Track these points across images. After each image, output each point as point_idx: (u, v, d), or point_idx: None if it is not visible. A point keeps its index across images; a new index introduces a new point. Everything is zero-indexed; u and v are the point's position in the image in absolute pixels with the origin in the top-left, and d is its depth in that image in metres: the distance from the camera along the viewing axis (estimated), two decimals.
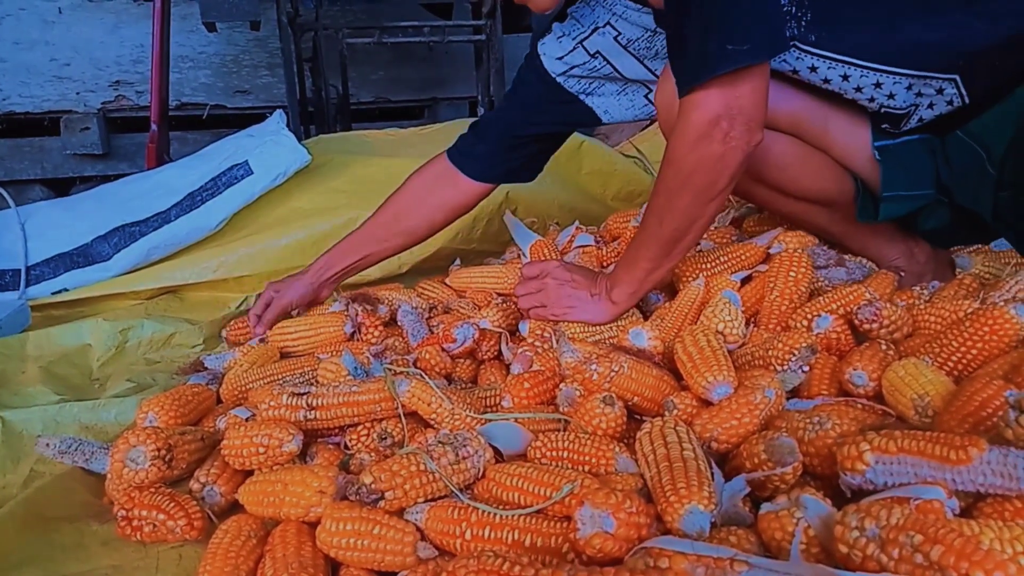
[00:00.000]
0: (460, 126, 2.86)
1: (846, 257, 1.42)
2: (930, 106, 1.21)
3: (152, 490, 0.96)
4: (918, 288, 1.27)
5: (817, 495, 0.74)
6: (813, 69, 1.22)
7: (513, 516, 0.80)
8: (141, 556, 0.93)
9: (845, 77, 1.20)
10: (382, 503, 0.86)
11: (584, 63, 1.45)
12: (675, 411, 0.97)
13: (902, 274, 1.36)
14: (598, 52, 1.44)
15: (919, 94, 1.20)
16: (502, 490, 0.87)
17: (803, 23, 1.17)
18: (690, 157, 1.08)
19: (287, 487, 0.89)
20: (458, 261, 2.07)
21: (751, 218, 1.69)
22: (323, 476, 0.88)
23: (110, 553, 0.94)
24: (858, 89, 1.21)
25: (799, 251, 1.32)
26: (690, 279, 1.43)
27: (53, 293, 1.90)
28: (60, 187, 3.64)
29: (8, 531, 0.94)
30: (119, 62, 3.58)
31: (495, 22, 3.28)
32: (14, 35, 3.43)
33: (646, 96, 1.50)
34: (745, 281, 1.43)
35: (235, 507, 0.98)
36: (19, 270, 1.89)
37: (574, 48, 1.45)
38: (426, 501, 0.88)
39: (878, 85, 1.20)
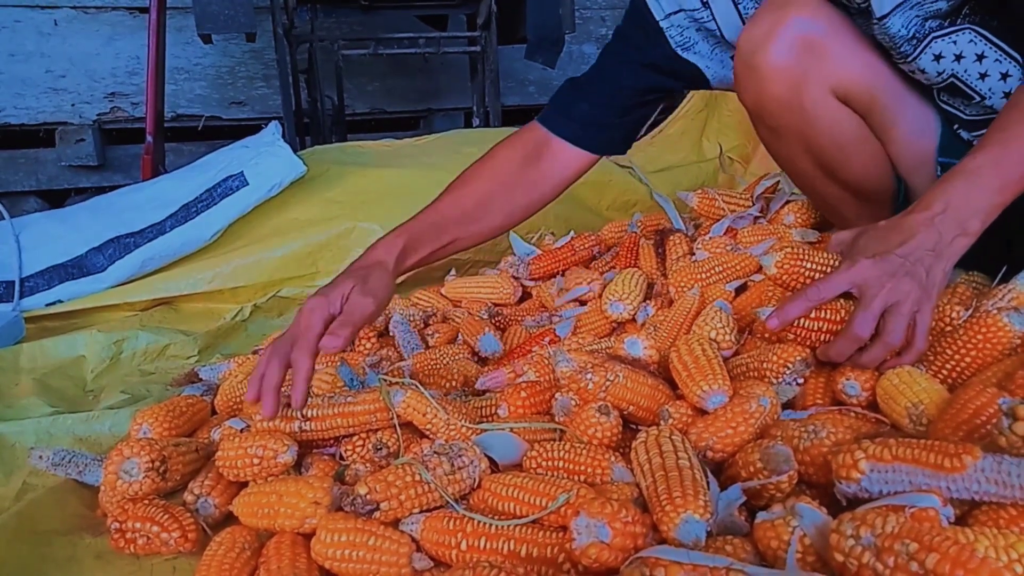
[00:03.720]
0: (455, 137, 2.89)
1: None
2: None
3: (146, 502, 0.96)
4: None
5: (812, 504, 0.74)
6: (953, 41, 1.12)
7: (509, 526, 0.80)
8: (134, 569, 0.92)
9: (979, 57, 1.13)
10: (377, 514, 0.85)
11: (694, 10, 1.31)
12: (670, 420, 0.97)
13: None
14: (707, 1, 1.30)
15: None
16: (498, 500, 0.86)
17: None
18: None
19: (282, 498, 0.89)
20: (453, 271, 2.07)
21: (746, 229, 1.70)
22: (318, 487, 0.88)
23: (103, 567, 0.93)
24: (982, 76, 1.14)
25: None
26: (685, 289, 1.43)
27: (47, 305, 1.90)
28: (55, 199, 3.63)
29: (0, 544, 0.93)
30: (115, 74, 3.59)
31: (490, 33, 3.29)
32: (10, 47, 3.43)
33: (732, 58, 1.34)
34: (740, 291, 1.43)
35: (229, 519, 0.97)
36: (13, 282, 1.89)
37: None
38: (421, 512, 0.87)
39: (1006, 76, 1.14)
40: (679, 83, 1.42)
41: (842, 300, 1.01)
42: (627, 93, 1.37)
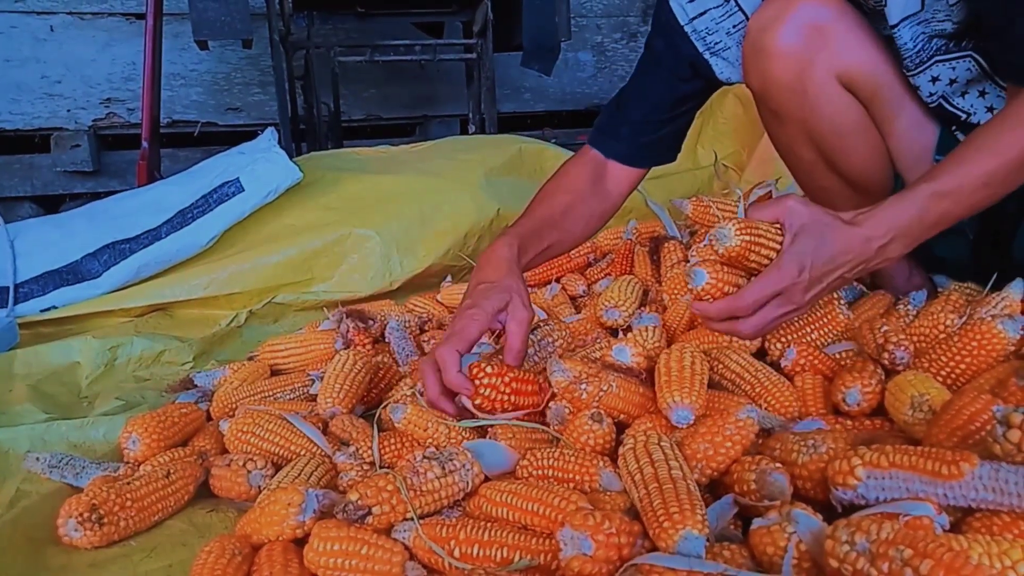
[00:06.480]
0: (451, 144, 2.89)
1: None
2: None
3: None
4: (902, 306, 1.28)
5: (808, 510, 0.74)
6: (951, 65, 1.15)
7: (502, 533, 0.80)
8: None
9: (969, 82, 1.16)
10: (370, 519, 0.85)
11: (718, 6, 1.29)
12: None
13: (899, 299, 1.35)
14: None
15: None
16: (492, 507, 0.86)
17: None
18: None
19: (263, 508, 0.90)
20: (449, 278, 2.07)
21: None
22: (292, 491, 0.89)
23: (97, 573, 0.93)
24: (982, 94, 1.18)
25: None
26: (679, 296, 1.44)
27: (42, 311, 1.89)
28: (50, 204, 3.62)
29: None
30: (110, 79, 3.59)
31: (486, 41, 3.30)
32: (5, 52, 3.43)
33: None
34: None
35: None
36: (7, 288, 1.88)
37: None
38: (416, 518, 0.87)
39: (983, 94, 1.17)
40: (711, 85, 1.40)
41: None
42: (662, 108, 1.38)
